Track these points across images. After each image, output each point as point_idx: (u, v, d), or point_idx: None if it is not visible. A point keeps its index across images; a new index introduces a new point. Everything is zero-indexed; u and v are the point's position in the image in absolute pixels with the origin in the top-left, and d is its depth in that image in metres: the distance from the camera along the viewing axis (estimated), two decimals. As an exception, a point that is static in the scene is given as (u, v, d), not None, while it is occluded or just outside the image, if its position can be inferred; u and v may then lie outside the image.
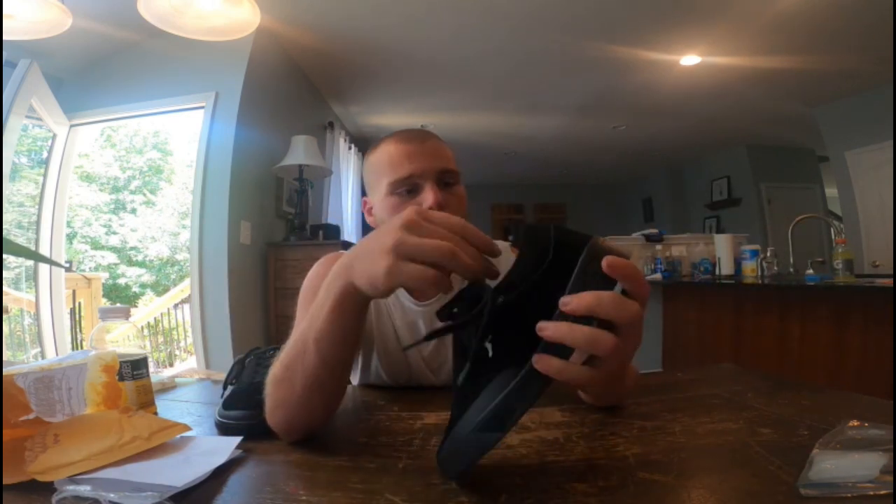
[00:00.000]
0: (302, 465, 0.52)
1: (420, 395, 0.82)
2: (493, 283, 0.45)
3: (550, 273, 0.41)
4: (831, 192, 5.41)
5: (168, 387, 0.92)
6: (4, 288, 2.71)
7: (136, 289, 7.59)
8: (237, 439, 0.55)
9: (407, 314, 0.87)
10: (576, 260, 0.40)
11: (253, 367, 0.76)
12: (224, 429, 0.63)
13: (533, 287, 0.41)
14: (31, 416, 0.54)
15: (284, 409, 0.56)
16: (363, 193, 0.92)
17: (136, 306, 6.17)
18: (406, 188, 0.78)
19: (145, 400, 0.67)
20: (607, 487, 0.44)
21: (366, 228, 5.06)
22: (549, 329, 0.39)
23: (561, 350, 0.38)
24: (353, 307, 0.50)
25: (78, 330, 3.15)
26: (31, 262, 2.80)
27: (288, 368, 0.55)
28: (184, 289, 4.58)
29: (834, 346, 2.10)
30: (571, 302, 0.39)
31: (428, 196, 0.77)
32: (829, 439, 0.47)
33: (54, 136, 2.82)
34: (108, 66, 2.96)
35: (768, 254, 2.97)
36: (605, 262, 0.39)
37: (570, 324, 0.39)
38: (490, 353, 0.44)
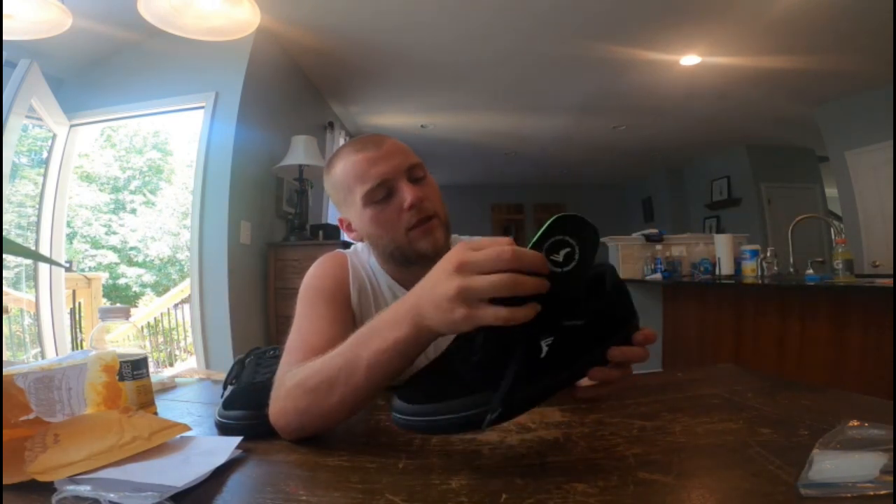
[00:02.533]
0: (302, 465, 0.52)
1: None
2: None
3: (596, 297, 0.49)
4: (831, 192, 5.41)
5: (168, 387, 0.92)
6: (4, 288, 2.71)
7: (136, 289, 7.59)
8: (237, 439, 0.55)
9: None
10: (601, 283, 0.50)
11: (253, 368, 0.76)
12: (224, 429, 0.63)
13: (594, 316, 0.48)
14: (31, 416, 0.54)
15: (306, 416, 0.56)
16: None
17: (136, 306, 6.17)
18: (381, 194, 0.77)
19: (145, 400, 0.67)
20: (607, 487, 0.44)
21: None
22: (599, 374, 0.50)
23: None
24: (420, 348, 0.52)
25: (78, 330, 3.15)
26: (31, 262, 2.80)
27: (329, 384, 0.54)
28: (184, 289, 4.58)
29: (834, 346, 2.10)
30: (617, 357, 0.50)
31: (406, 195, 0.76)
32: (829, 439, 0.47)
33: (54, 136, 2.82)
34: (108, 66, 2.96)
35: (768, 254, 2.97)
36: (642, 336, 0.50)
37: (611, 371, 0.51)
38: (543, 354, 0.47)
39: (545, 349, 0.45)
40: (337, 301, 0.81)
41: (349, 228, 0.85)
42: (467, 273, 0.44)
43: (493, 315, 0.43)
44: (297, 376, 0.59)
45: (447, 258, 0.47)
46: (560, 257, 0.45)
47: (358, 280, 0.86)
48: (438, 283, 0.46)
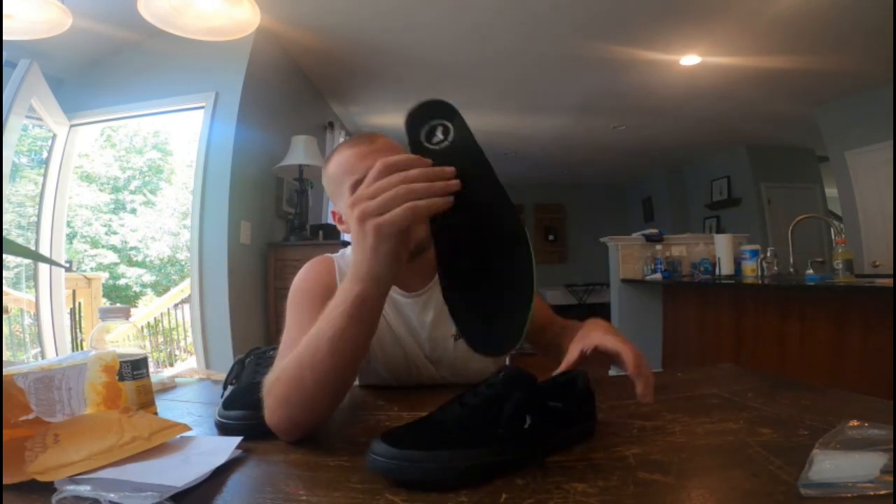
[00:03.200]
0: (302, 465, 0.52)
1: (420, 394, 0.82)
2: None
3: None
4: (831, 192, 5.41)
5: (168, 387, 0.92)
6: (4, 288, 2.71)
7: (136, 289, 7.59)
8: (237, 439, 0.55)
9: (398, 306, 0.89)
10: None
11: (253, 367, 0.76)
12: (224, 429, 0.63)
13: (570, 403, 0.56)
14: (31, 416, 0.54)
15: (289, 407, 0.57)
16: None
17: (136, 306, 6.16)
18: None
19: (145, 400, 0.67)
20: (607, 487, 0.44)
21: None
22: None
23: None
24: (371, 308, 0.54)
25: (78, 330, 3.15)
26: (31, 262, 2.79)
27: (298, 367, 0.56)
28: (184, 289, 4.57)
29: (834, 346, 2.10)
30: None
31: None
32: (829, 439, 0.47)
33: (54, 136, 2.82)
34: (108, 66, 2.96)
35: (768, 254, 2.97)
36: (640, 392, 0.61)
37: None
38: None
39: (528, 421, 0.49)
40: (323, 304, 0.81)
41: (340, 220, 0.89)
42: (361, 202, 0.50)
43: (391, 219, 0.48)
44: (275, 372, 0.60)
45: (352, 197, 0.52)
46: (440, 136, 0.52)
47: None
48: (350, 220, 0.53)
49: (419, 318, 0.89)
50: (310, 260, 0.92)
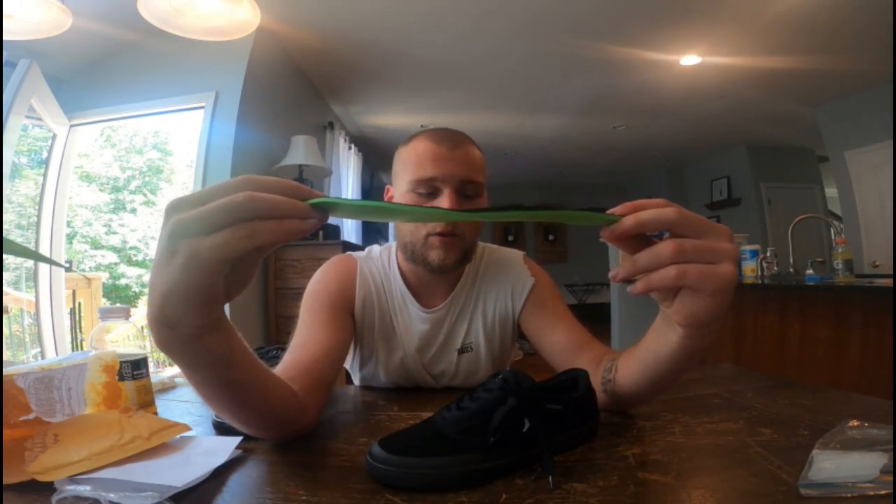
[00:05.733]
0: (302, 465, 0.52)
1: (420, 394, 0.82)
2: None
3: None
4: (831, 192, 5.41)
5: (168, 387, 0.92)
6: (4, 288, 2.71)
7: (136, 289, 7.58)
8: (237, 439, 0.55)
9: (413, 320, 0.86)
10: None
11: (253, 368, 0.76)
12: (221, 428, 0.63)
13: (570, 405, 0.55)
14: (31, 416, 0.54)
15: (244, 427, 0.54)
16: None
17: (136, 306, 6.16)
18: (426, 189, 0.77)
19: (145, 400, 0.67)
20: (607, 487, 0.44)
21: (366, 228, 5.03)
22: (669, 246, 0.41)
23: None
24: (184, 353, 0.40)
25: (78, 330, 3.14)
26: (31, 262, 2.79)
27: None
28: (184, 289, 4.57)
29: (834, 346, 2.10)
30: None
31: (444, 203, 0.75)
32: (829, 439, 0.47)
33: (54, 136, 2.82)
34: (108, 66, 2.96)
35: (768, 254, 2.97)
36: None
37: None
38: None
39: (527, 424, 0.49)
40: (336, 307, 0.81)
41: (390, 200, 0.84)
42: (185, 207, 0.35)
43: (211, 244, 0.34)
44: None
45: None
46: None
47: (364, 288, 0.85)
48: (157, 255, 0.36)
49: (430, 334, 0.86)
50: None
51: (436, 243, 0.77)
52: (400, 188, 0.80)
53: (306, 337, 0.73)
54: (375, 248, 0.92)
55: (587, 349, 0.76)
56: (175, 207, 0.35)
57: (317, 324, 0.76)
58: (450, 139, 0.78)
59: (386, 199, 0.84)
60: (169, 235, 0.35)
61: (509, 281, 0.88)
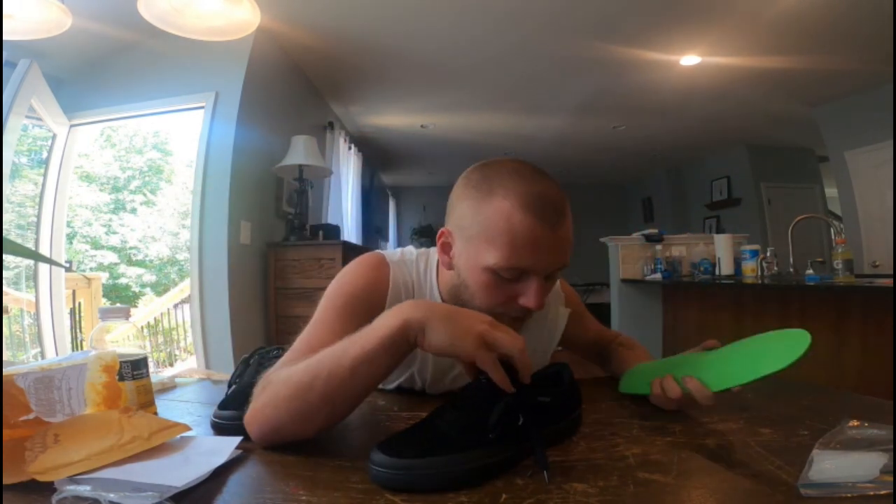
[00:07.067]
0: (302, 465, 0.52)
1: (420, 394, 0.82)
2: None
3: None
4: (831, 192, 5.41)
5: (168, 387, 0.92)
6: (4, 288, 2.71)
7: (136, 289, 7.59)
8: (237, 439, 0.55)
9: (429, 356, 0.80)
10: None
11: (255, 368, 0.76)
12: (217, 429, 0.63)
13: (557, 397, 0.60)
14: (31, 416, 0.54)
15: (280, 410, 0.55)
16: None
17: (136, 306, 6.16)
18: (513, 276, 0.66)
19: (145, 400, 0.67)
20: (607, 487, 0.44)
21: (366, 228, 5.02)
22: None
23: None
24: (403, 349, 0.56)
25: (78, 330, 3.15)
26: (31, 262, 2.79)
27: (311, 375, 0.55)
28: (184, 289, 4.57)
29: (834, 346, 2.10)
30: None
31: (530, 294, 0.66)
32: (829, 439, 0.47)
33: (54, 136, 2.82)
34: (108, 66, 2.96)
35: (768, 254, 2.97)
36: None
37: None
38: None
39: (521, 419, 0.51)
40: (359, 316, 0.70)
41: (446, 251, 0.73)
42: (494, 329, 0.55)
43: (484, 357, 0.53)
44: (280, 371, 0.59)
45: (484, 318, 0.56)
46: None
47: (395, 300, 0.76)
48: (473, 320, 0.56)
49: (446, 368, 0.80)
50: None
51: (505, 320, 0.65)
52: (474, 255, 0.67)
53: (319, 341, 0.66)
54: (410, 252, 0.84)
55: (604, 338, 0.98)
56: (493, 325, 0.56)
57: (343, 329, 0.66)
58: (552, 210, 0.65)
59: (438, 243, 0.74)
60: (480, 334, 0.54)
61: (547, 324, 0.88)
